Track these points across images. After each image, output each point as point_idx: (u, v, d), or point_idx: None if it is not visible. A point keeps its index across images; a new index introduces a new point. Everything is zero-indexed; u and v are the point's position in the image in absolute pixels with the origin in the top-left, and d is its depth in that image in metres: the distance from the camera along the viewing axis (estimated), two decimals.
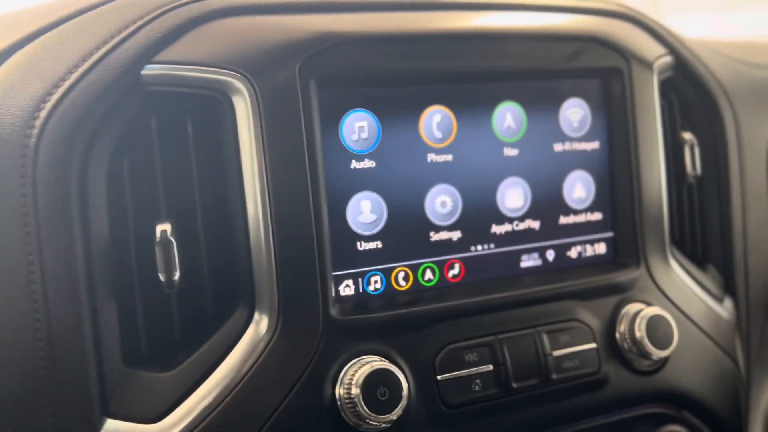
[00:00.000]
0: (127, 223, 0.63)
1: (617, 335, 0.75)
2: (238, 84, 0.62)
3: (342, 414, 0.63)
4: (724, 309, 0.89)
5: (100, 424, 0.62)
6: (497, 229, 0.75)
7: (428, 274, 0.72)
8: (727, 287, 0.92)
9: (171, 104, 0.64)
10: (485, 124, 0.74)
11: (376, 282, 0.70)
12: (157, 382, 0.63)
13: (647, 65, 0.81)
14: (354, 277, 0.69)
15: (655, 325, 0.74)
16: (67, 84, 0.60)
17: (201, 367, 0.63)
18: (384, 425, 0.63)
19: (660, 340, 0.74)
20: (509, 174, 0.75)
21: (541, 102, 0.76)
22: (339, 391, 0.63)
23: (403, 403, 0.63)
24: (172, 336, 0.65)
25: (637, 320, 0.74)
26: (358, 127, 0.68)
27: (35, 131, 0.59)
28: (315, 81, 0.65)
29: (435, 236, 0.72)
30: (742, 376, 0.90)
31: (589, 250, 0.80)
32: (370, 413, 0.61)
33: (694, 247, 0.91)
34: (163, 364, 0.64)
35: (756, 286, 0.97)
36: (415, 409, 0.66)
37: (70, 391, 0.61)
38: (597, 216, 0.80)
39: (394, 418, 0.63)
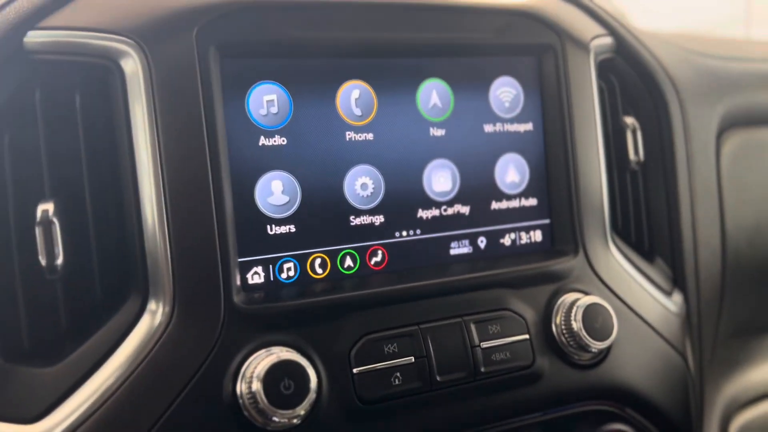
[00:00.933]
0: (7, 203, 0.58)
1: (553, 327, 0.70)
2: (129, 50, 0.57)
3: (245, 412, 0.57)
4: (673, 303, 0.84)
5: None
6: (424, 213, 0.70)
7: (348, 261, 0.67)
8: (676, 281, 0.88)
9: (57, 74, 0.59)
10: (409, 101, 0.69)
11: (289, 269, 0.65)
12: (38, 378, 0.57)
13: (582, 44, 0.77)
14: (264, 263, 0.64)
15: (592, 315, 0.69)
16: None
17: (87, 361, 0.57)
18: (291, 422, 0.58)
19: (598, 331, 0.69)
20: (436, 156, 0.71)
21: (470, 80, 0.72)
22: (240, 386, 0.58)
23: (311, 397, 0.57)
24: (57, 327, 0.59)
25: (574, 310, 0.69)
26: (267, 100, 0.63)
27: None
28: (215, 49, 0.60)
29: (355, 221, 0.67)
30: (692, 374, 0.86)
31: (524, 238, 0.75)
32: (273, 408, 0.56)
33: (640, 238, 0.87)
34: (46, 358, 0.58)
35: (707, 280, 0.93)
36: (327, 404, 0.60)
37: None
38: (532, 202, 0.76)
39: (302, 413, 0.57)
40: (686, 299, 0.88)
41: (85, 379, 0.56)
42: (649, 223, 0.87)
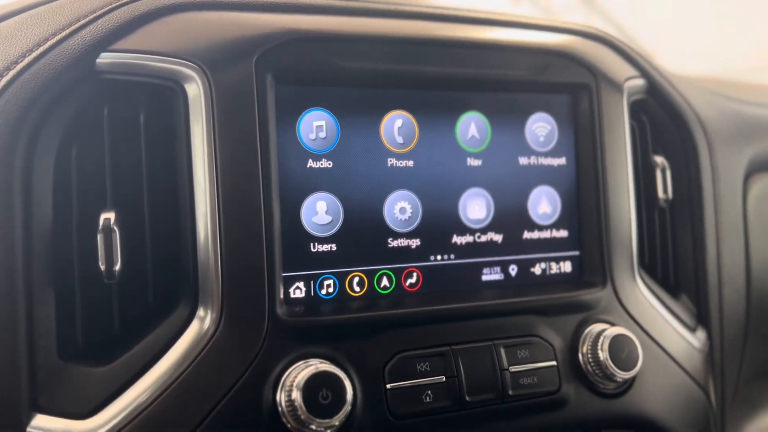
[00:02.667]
0: (71, 212, 0.62)
1: (580, 356, 0.73)
2: (193, 74, 0.62)
3: (283, 419, 0.60)
4: (697, 339, 0.86)
5: (28, 419, 0.59)
6: (458, 239, 0.73)
7: (384, 281, 0.70)
8: (700, 318, 0.89)
9: (125, 93, 0.63)
10: (448, 132, 0.73)
11: (329, 286, 0.68)
12: (91, 376, 0.60)
13: (616, 84, 0.80)
14: (306, 279, 0.67)
15: (619, 345, 0.72)
16: (17, 68, 0.59)
17: (137, 363, 0.60)
18: (327, 430, 0.60)
19: (624, 362, 0.71)
20: (472, 185, 0.74)
21: (507, 114, 0.76)
22: (280, 394, 0.60)
23: (347, 408, 0.60)
24: (111, 329, 0.62)
25: (600, 339, 0.72)
26: (316, 125, 0.67)
27: None
28: (272, 76, 0.64)
29: (393, 243, 0.71)
30: (714, 410, 0.87)
31: (554, 268, 0.78)
32: (311, 417, 0.59)
33: (666, 274, 0.89)
34: (99, 358, 0.61)
35: (731, 318, 0.95)
36: (361, 416, 0.63)
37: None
38: (563, 233, 0.78)
39: (336, 423, 0.60)
40: (710, 336, 0.89)
41: (135, 379, 0.60)
42: (675, 260, 0.89)
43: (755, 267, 1.00)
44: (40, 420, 0.59)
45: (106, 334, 0.62)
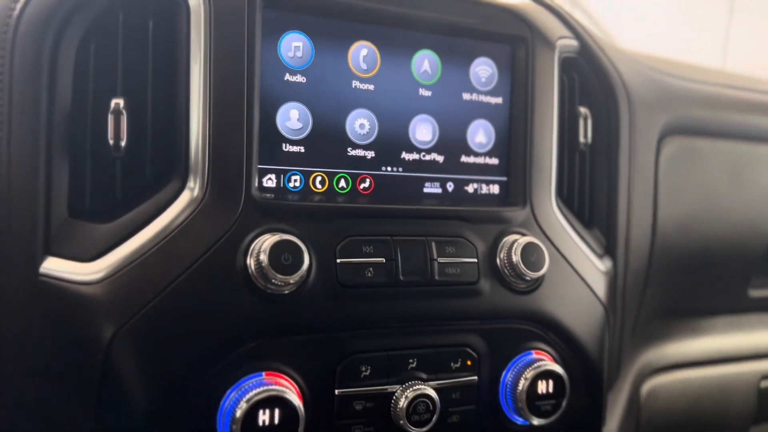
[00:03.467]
0: (87, 95, 0.75)
1: (498, 260, 0.88)
2: None
3: (251, 274, 0.74)
4: (603, 264, 1.02)
5: (42, 259, 0.72)
6: (406, 156, 0.88)
7: (342, 183, 0.85)
8: (608, 249, 1.06)
9: (137, 4, 0.76)
10: (405, 65, 0.87)
11: (296, 181, 0.82)
12: (96, 230, 0.74)
13: (549, 41, 0.95)
14: (277, 173, 0.81)
15: (529, 251, 0.87)
16: None
17: (135, 222, 0.74)
18: (285, 286, 0.75)
19: (533, 264, 0.87)
20: (421, 111, 0.89)
21: (456, 55, 0.90)
22: (250, 256, 0.74)
23: (303, 271, 0.74)
24: (114, 196, 0.76)
25: (514, 246, 0.87)
26: (294, 45, 0.81)
27: (19, 4, 0.71)
28: (261, 1, 0.77)
29: (352, 152, 0.85)
30: (611, 327, 1.04)
31: (485, 189, 0.93)
32: (274, 272, 0.73)
33: (581, 208, 1.05)
34: (103, 218, 0.75)
35: (635, 254, 1.11)
36: (314, 281, 0.77)
37: (18, 227, 0.72)
38: (494, 161, 0.94)
39: (293, 282, 0.74)
40: (615, 266, 1.06)
41: (133, 234, 0.73)
42: (591, 198, 1.06)
43: (661, 215, 1.17)
44: (51, 262, 0.73)
45: (109, 200, 0.75)
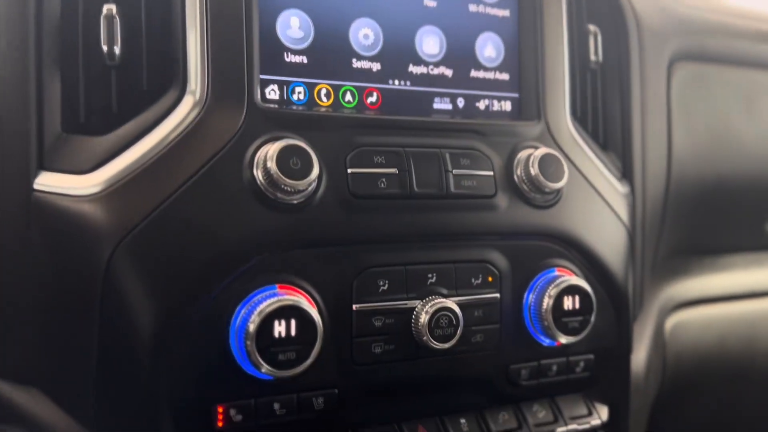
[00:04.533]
0: (77, 3, 0.71)
1: (515, 177, 0.84)
2: None
3: (259, 184, 0.70)
4: (621, 186, 0.98)
5: (35, 174, 0.68)
6: (414, 69, 0.84)
7: (348, 96, 0.81)
8: (625, 173, 1.02)
9: None
10: None
11: (300, 93, 0.78)
12: (91, 143, 0.69)
13: None
14: (280, 84, 0.77)
15: (547, 162, 0.83)
16: None
17: (133, 132, 0.70)
18: (296, 195, 0.70)
19: (552, 175, 0.83)
20: (427, 22, 0.85)
21: None
22: (256, 162, 0.70)
23: (313, 178, 0.70)
24: (110, 107, 0.71)
25: (531, 159, 0.83)
26: None
27: None
28: None
29: (357, 63, 0.81)
30: (637, 246, 0.99)
31: (496, 106, 0.89)
32: (282, 176, 0.69)
33: (596, 130, 1.01)
34: (99, 131, 0.70)
35: (653, 181, 1.08)
36: (325, 191, 0.73)
37: (9, 143, 0.68)
38: (505, 76, 0.90)
39: (301, 188, 0.70)
40: (632, 191, 1.02)
41: (132, 145, 0.69)
42: (604, 119, 1.02)
43: (676, 147, 1.13)
44: (45, 177, 0.68)
45: (105, 112, 0.71)
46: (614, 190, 0.96)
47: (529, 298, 0.84)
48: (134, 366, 0.67)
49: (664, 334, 1.15)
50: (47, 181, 0.68)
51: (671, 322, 1.17)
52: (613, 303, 0.91)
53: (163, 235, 0.67)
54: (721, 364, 1.21)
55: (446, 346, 0.76)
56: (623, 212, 0.96)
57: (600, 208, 0.92)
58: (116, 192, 0.67)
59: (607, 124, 1.02)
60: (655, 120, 1.08)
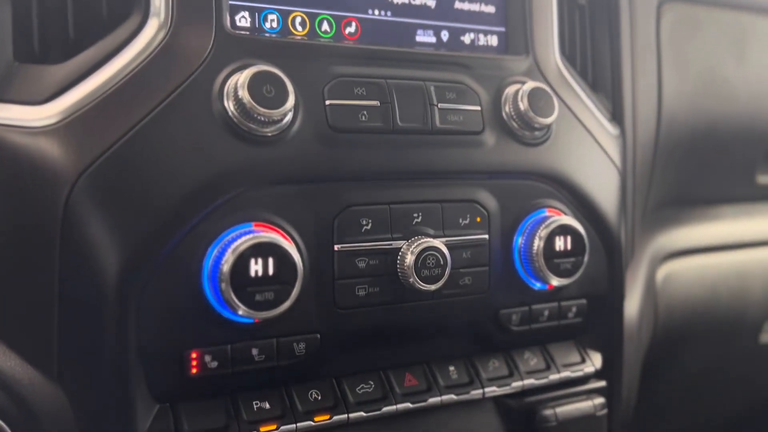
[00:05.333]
0: None
1: (503, 114, 0.79)
2: None
3: (230, 114, 0.65)
4: (612, 127, 0.94)
5: None
6: None
7: (325, 26, 0.75)
8: (615, 116, 0.98)
9: None
10: None
11: (272, 21, 0.73)
12: (48, 72, 0.64)
13: None
14: (251, 10, 0.71)
15: (537, 96, 0.79)
16: None
17: (93, 60, 0.64)
18: (270, 126, 0.65)
19: (542, 110, 0.79)
20: None
21: None
22: (227, 91, 0.65)
23: (289, 105, 0.65)
24: (65, 35, 0.66)
25: (520, 93, 0.78)
26: None
27: None
28: None
29: None
30: (628, 192, 0.96)
31: (482, 40, 0.84)
32: (256, 106, 0.64)
33: (584, 70, 0.96)
34: (55, 60, 0.65)
35: (643, 123, 1.04)
36: (303, 124, 0.68)
37: None
38: (490, 8, 0.85)
39: (276, 118, 0.65)
40: (623, 134, 0.98)
41: (91, 73, 0.63)
42: (593, 59, 0.97)
43: (666, 92, 1.09)
44: None
45: (61, 40, 0.65)
46: (605, 131, 0.92)
47: (519, 239, 0.80)
48: (99, 313, 0.62)
49: (656, 284, 1.11)
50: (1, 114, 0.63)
51: (662, 272, 1.14)
52: (605, 247, 0.88)
53: (126, 170, 0.62)
54: (712, 316, 1.19)
55: (433, 287, 0.71)
56: (615, 154, 0.92)
57: (591, 149, 0.88)
58: (74, 123, 0.62)
59: (596, 64, 0.98)
60: (645, 61, 1.04)
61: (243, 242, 0.62)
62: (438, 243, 0.72)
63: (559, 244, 0.79)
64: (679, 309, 1.15)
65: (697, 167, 1.19)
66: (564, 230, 0.79)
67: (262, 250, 0.63)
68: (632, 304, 1.01)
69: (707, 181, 1.23)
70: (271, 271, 0.63)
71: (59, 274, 0.63)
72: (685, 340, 1.16)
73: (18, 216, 0.63)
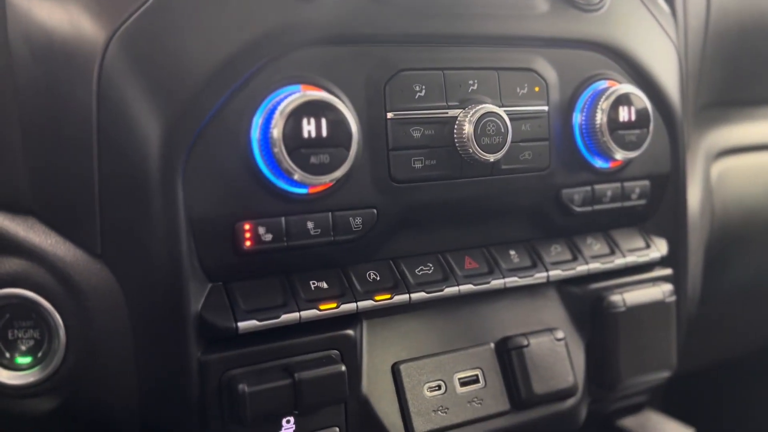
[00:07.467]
0: None
1: None
2: None
3: None
4: (665, 5, 0.88)
5: None
6: None
7: None
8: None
9: None
10: None
11: None
12: None
13: None
14: None
15: None
16: None
17: None
18: None
19: None
20: None
21: None
22: None
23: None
24: None
25: None
26: None
27: None
28: None
29: None
30: (683, 67, 0.90)
31: None
32: None
33: None
34: None
35: (694, 4, 0.98)
36: None
37: None
38: None
39: None
40: (674, 15, 0.92)
41: None
42: None
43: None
44: None
45: None
46: (659, 7, 0.86)
47: (579, 115, 0.75)
48: (144, 185, 0.58)
49: (711, 181, 1.06)
50: None
51: (716, 169, 1.08)
52: (667, 124, 0.82)
53: (161, 30, 0.58)
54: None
55: (493, 158, 0.67)
56: (671, 31, 0.86)
57: (649, 22, 0.83)
58: None
59: None
60: None
61: (293, 100, 0.57)
62: (497, 108, 0.67)
63: (623, 114, 0.74)
64: (735, 209, 1.09)
65: (747, 62, 1.13)
66: (627, 100, 0.74)
67: (314, 108, 0.58)
68: (694, 194, 0.96)
69: (757, 79, 1.16)
70: (324, 133, 0.58)
71: (98, 146, 0.58)
72: (742, 241, 1.11)
73: (52, 91, 0.59)
